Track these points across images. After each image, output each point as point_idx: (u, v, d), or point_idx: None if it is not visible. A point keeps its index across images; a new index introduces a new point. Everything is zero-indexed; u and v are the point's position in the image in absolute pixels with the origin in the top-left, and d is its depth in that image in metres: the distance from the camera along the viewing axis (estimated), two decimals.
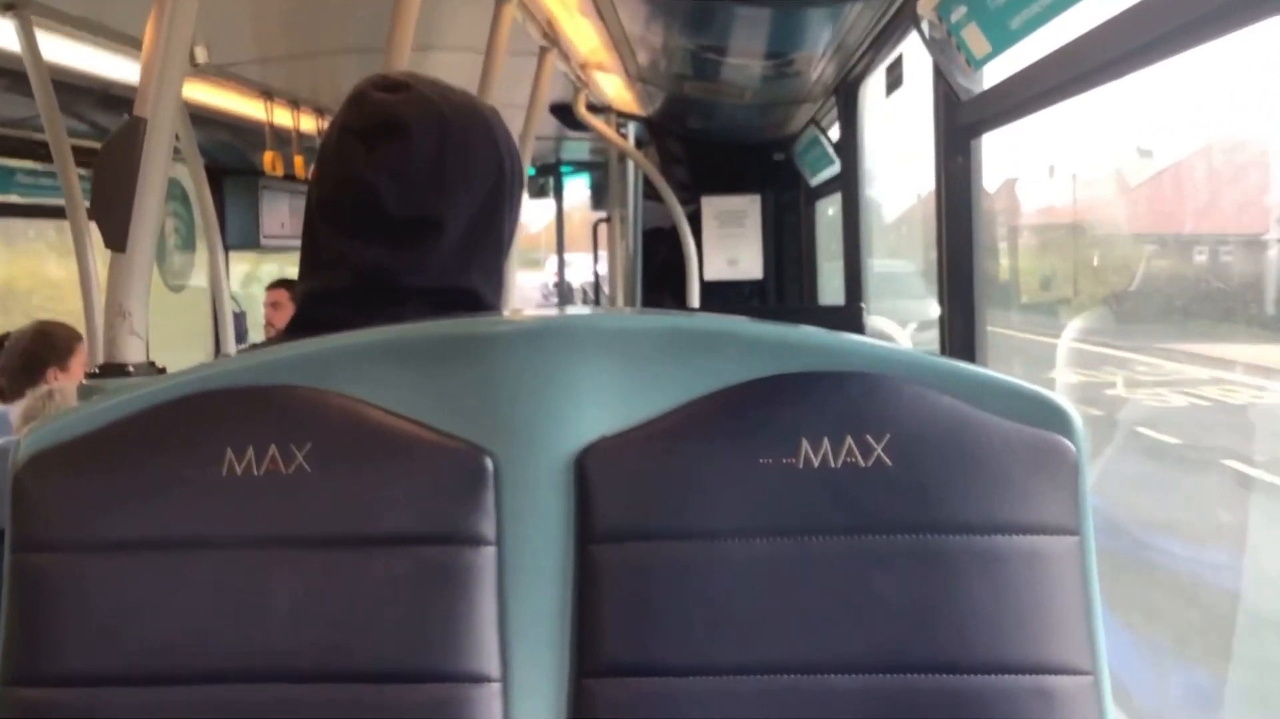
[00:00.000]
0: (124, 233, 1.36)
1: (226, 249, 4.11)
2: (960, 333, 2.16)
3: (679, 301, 4.83)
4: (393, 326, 0.83)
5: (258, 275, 6.49)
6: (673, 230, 4.83)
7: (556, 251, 7.81)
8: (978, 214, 2.15)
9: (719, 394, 0.80)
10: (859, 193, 3.84)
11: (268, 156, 4.00)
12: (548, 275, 11.69)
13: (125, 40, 2.88)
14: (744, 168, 5.14)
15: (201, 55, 2.55)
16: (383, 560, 0.78)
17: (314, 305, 1.03)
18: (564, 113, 4.41)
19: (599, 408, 0.80)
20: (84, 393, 1.33)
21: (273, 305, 4.61)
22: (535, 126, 3.36)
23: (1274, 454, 2.17)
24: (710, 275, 5.02)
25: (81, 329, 2.98)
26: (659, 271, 5.13)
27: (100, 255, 1.92)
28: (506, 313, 0.92)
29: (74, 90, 3.15)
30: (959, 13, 1.89)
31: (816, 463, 0.78)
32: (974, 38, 1.85)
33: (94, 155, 1.42)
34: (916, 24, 2.16)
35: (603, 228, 6.18)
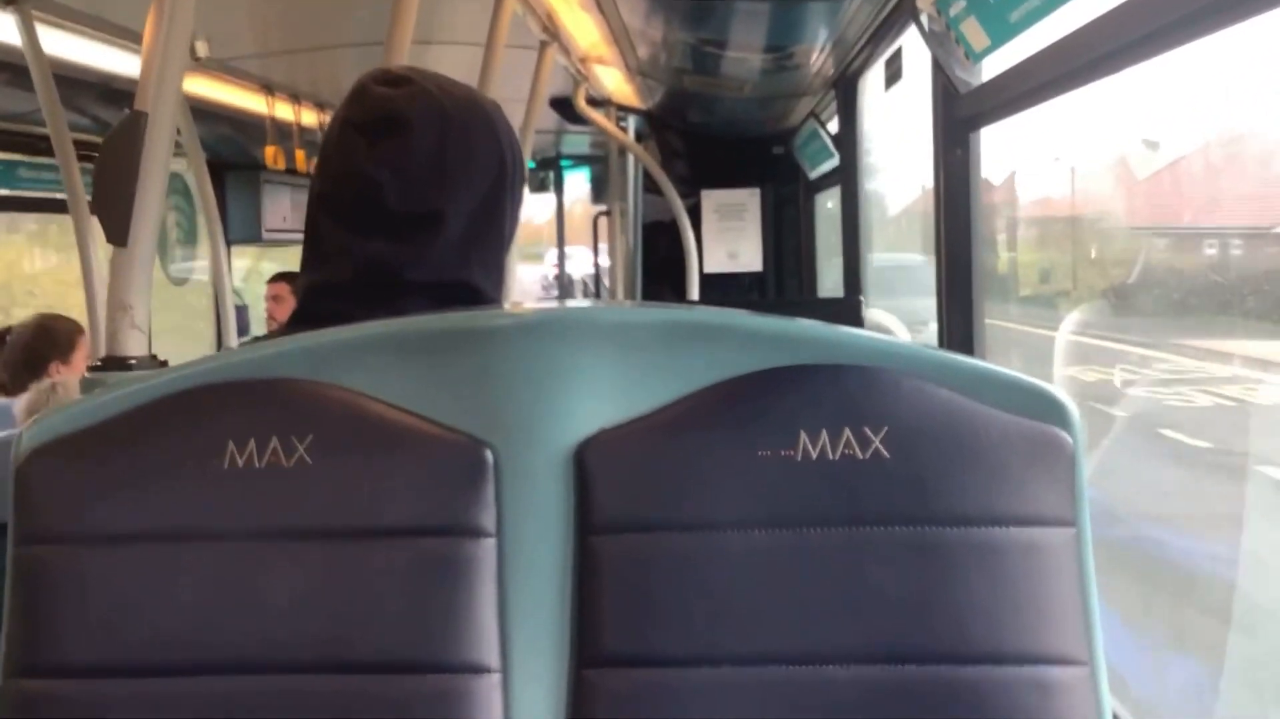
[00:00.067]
0: (125, 227, 1.37)
1: (228, 243, 4.11)
2: (959, 326, 2.16)
3: (679, 295, 4.82)
4: (393, 319, 0.83)
5: (259, 269, 6.48)
6: (672, 224, 4.83)
7: (557, 245, 7.80)
8: (976, 207, 2.15)
9: (718, 386, 0.81)
10: (858, 186, 3.84)
11: (269, 151, 4.00)
12: (547, 268, 11.68)
13: (126, 34, 2.88)
14: (743, 161, 5.14)
15: (202, 49, 2.55)
16: (383, 552, 0.79)
17: (315, 299, 1.03)
18: (564, 106, 4.40)
19: (598, 400, 0.80)
20: (86, 386, 1.33)
21: (274, 299, 4.61)
22: (535, 120, 3.35)
23: None
24: (710, 268, 5.01)
25: (82, 322, 2.99)
26: (659, 265, 5.13)
27: (102, 249, 1.92)
28: (507, 306, 0.92)
29: (75, 84, 3.15)
30: (958, 6, 1.89)
31: (815, 455, 0.79)
32: (973, 31, 1.85)
33: (96, 150, 1.42)
34: (915, 17, 2.16)
35: (603, 221, 6.18)
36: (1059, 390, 0.81)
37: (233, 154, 4.97)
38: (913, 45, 2.73)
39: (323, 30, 3.32)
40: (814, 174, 4.71)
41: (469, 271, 1.03)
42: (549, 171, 7.18)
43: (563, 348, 0.80)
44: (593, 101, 4.47)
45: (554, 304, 0.89)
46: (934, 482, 0.78)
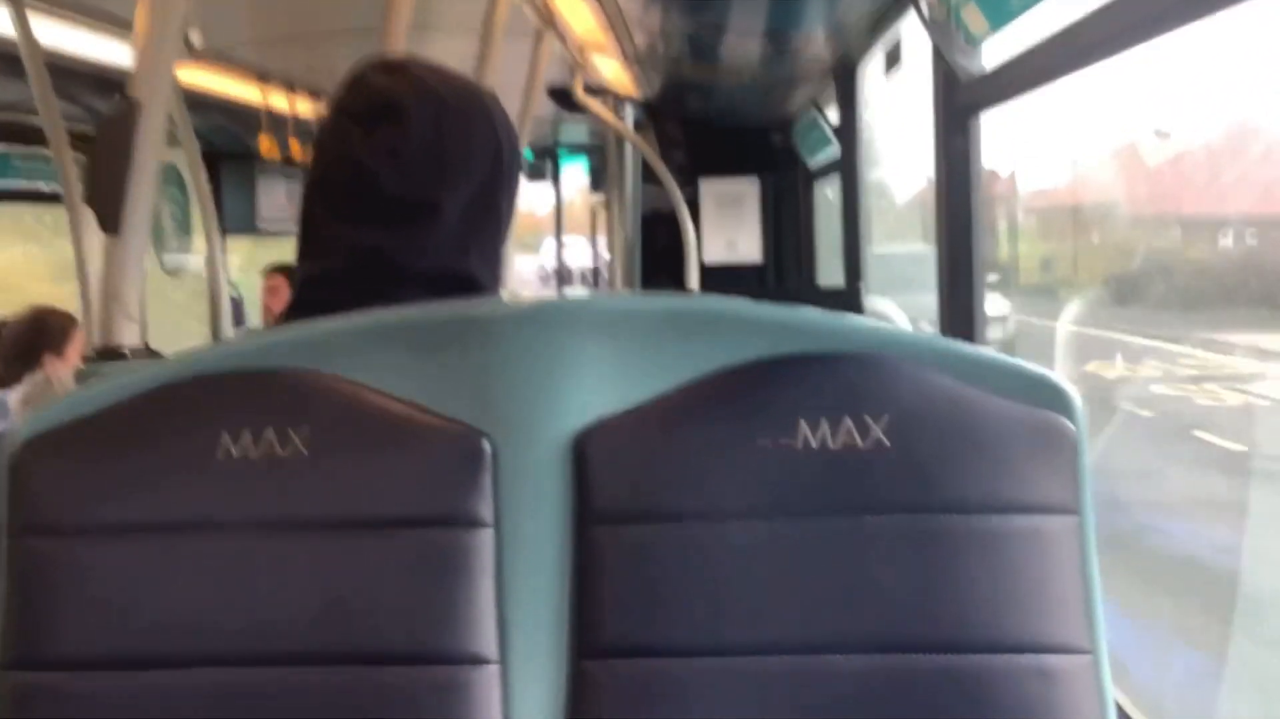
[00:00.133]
0: (118, 216, 1.36)
1: (223, 234, 4.10)
2: (960, 313, 2.16)
3: (678, 285, 4.82)
4: (390, 310, 0.83)
5: (256, 260, 6.47)
6: (671, 214, 4.81)
7: (555, 235, 7.79)
8: (977, 194, 2.14)
9: (718, 376, 0.80)
10: (858, 175, 3.84)
11: (264, 140, 3.99)
12: (544, 259, 11.67)
13: (119, 23, 2.87)
14: (742, 150, 5.14)
15: (196, 38, 2.54)
16: (380, 543, 0.78)
17: (311, 289, 1.02)
18: (561, 95, 4.38)
19: (597, 390, 0.80)
20: (81, 377, 1.33)
21: (270, 290, 4.60)
22: (533, 109, 3.35)
23: None
24: (709, 258, 5.01)
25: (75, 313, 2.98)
26: (657, 255, 5.12)
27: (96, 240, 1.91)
28: (505, 295, 0.92)
29: (68, 74, 3.13)
30: None
31: (815, 444, 0.78)
32: (972, 16, 1.84)
33: (89, 140, 1.41)
34: (915, 3, 2.15)
35: (601, 211, 6.17)
36: (1061, 377, 0.81)
37: (227, 144, 4.96)
38: (913, 31, 2.72)
39: (318, 18, 3.31)
40: (813, 163, 4.70)
41: (466, 261, 1.03)
42: (546, 161, 7.17)
43: (561, 338, 0.80)
44: (590, 90, 4.45)
45: (552, 294, 0.89)
46: (935, 469, 0.78)
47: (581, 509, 0.79)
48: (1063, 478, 0.79)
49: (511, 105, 1.14)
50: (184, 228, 5.25)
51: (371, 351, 0.81)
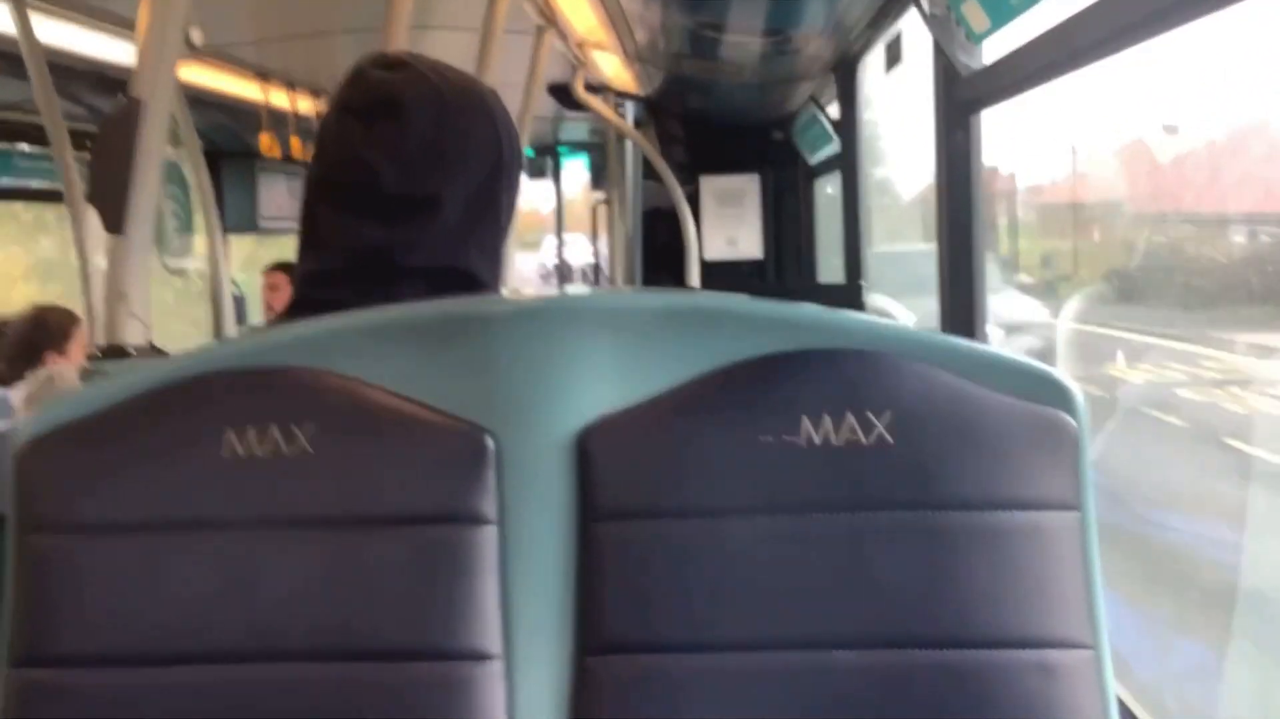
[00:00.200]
0: (122, 215, 1.36)
1: (225, 232, 4.10)
2: (960, 309, 2.16)
3: (678, 282, 4.82)
4: (392, 307, 0.83)
5: (257, 259, 6.48)
6: (672, 211, 4.81)
7: (556, 232, 7.78)
8: (977, 190, 2.14)
9: (720, 372, 0.80)
10: (859, 171, 3.83)
11: (264, 138, 3.99)
12: (545, 256, 11.66)
13: (120, 22, 2.87)
14: (743, 147, 5.13)
15: (197, 36, 2.54)
16: (384, 540, 0.78)
17: (312, 286, 1.02)
18: (562, 93, 4.38)
19: (599, 387, 0.80)
20: (85, 375, 1.33)
21: (271, 288, 4.60)
22: (533, 107, 3.35)
23: None
24: (710, 255, 5.01)
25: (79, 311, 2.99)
26: (658, 252, 5.12)
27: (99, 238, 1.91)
28: (506, 292, 0.92)
29: (69, 73, 3.14)
30: None
31: (818, 440, 0.78)
32: (973, 13, 1.84)
33: (91, 138, 1.42)
34: (915, 0, 2.15)
35: (601, 209, 6.17)
36: (1062, 374, 0.81)
37: (228, 142, 4.96)
38: (913, 28, 2.72)
39: (319, 16, 3.31)
40: (814, 159, 4.70)
41: (466, 257, 1.03)
42: (547, 158, 7.16)
43: (563, 334, 0.80)
44: (591, 88, 4.45)
45: (554, 291, 0.89)
46: (937, 466, 0.78)
47: (584, 506, 0.79)
48: (1064, 474, 0.79)
49: (512, 103, 1.14)
50: (186, 226, 5.25)
51: (375, 349, 0.81)
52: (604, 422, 0.80)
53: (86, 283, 2.74)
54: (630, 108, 5.11)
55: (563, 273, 8.36)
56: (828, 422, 0.78)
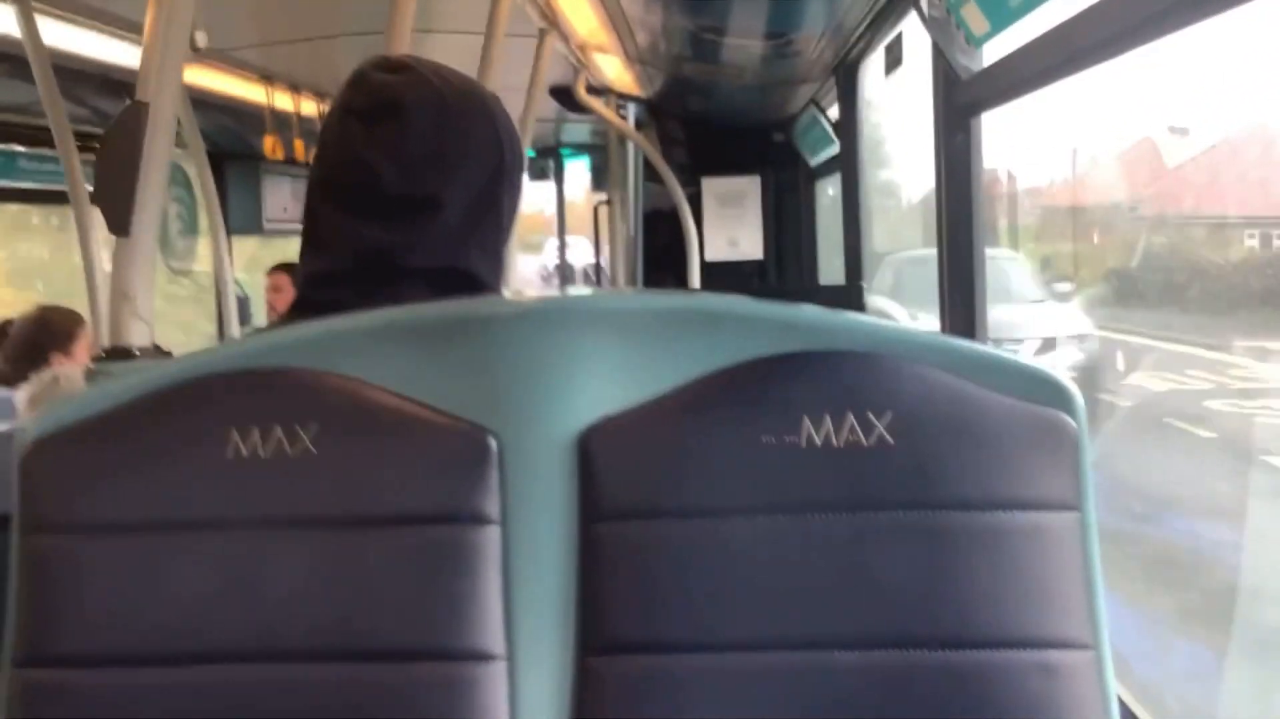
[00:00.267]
0: (127, 217, 1.37)
1: (229, 234, 4.10)
2: (960, 311, 2.16)
3: (680, 283, 4.82)
4: (395, 308, 0.83)
5: (260, 261, 6.47)
6: (673, 212, 4.81)
7: (558, 234, 7.78)
8: (978, 192, 2.14)
9: (721, 373, 0.81)
10: (859, 172, 3.83)
11: (268, 141, 4.00)
12: (547, 259, 11.65)
13: (126, 25, 2.88)
14: (744, 149, 5.13)
15: (202, 40, 2.55)
16: (387, 540, 0.79)
17: (314, 287, 1.03)
18: (564, 95, 4.38)
19: (601, 387, 0.80)
20: (90, 376, 1.34)
21: (274, 289, 4.61)
22: (535, 109, 3.35)
23: None
24: (711, 256, 5.00)
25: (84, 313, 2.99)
26: (659, 253, 5.12)
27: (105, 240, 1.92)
28: (508, 294, 0.93)
29: (75, 76, 3.14)
30: None
31: (819, 441, 0.78)
32: (973, 16, 1.85)
33: (96, 141, 1.42)
34: (915, 2, 2.15)
35: (603, 210, 6.16)
36: (1062, 374, 0.81)
37: (233, 144, 4.96)
38: (913, 31, 2.72)
39: (322, 19, 3.31)
40: (815, 161, 4.70)
41: (468, 258, 1.03)
42: (549, 160, 7.16)
43: (565, 335, 0.80)
44: (592, 90, 4.45)
45: (556, 292, 0.89)
46: (938, 467, 0.78)
47: (586, 506, 0.79)
48: (1064, 474, 0.79)
49: (514, 105, 1.14)
50: (190, 228, 5.25)
51: (378, 350, 0.81)
52: (606, 422, 0.80)
53: (92, 284, 2.74)
54: (632, 110, 5.11)
55: (564, 274, 8.35)
56: (828, 422, 0.79)
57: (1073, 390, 0.81)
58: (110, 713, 0.77)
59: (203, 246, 5.21)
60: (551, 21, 3.22)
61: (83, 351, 2.91)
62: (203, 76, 3.58)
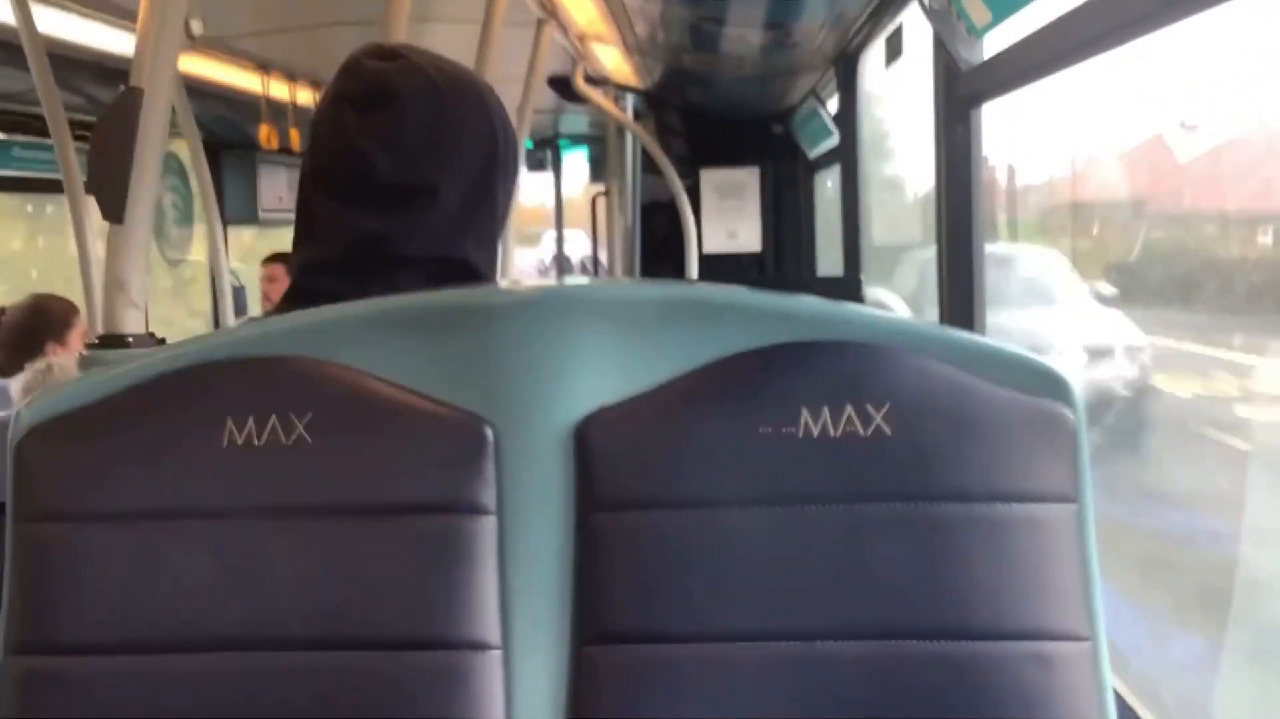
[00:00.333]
0: (122, 204, 1.36)
1: (225, 223, 4.10)
2: (960, 303, 2.16)
3: (678, 275, 4.82)
4: (392, 297, 0.83)
5: (256, 251, 6.47)
6: (671, 204, 4.81)
7: (555, 226, 7.78)
8: (978, 184, 2.14)
9: (718, 364, 0.80)
10: (858, 164, 3.83)
11: (263, 130, 3.99)
12: (543, 252, 11.66)
13: (120, 12, 2.87)
14: (743, 140, 5.12)
15: (197, 27, 2.54)
16: (383, 529, 0.79)
17: (308, 276, 1.03)
18: (562, 85, 4.38)
19: (598, 377, 0.80)
20: (84, 364, 1.33)
21: (269, 279, 4.60)
22: (533, 99, 3.34)
23: None
24: (709, 248, 5.00)
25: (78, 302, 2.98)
26: (658, 245, 5.12)
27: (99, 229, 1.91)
28: (505, 283, 0.92)
29: (70, 64, 3.13)
30: None
31: (816, 432, 0.78)
32: (974, 6, 1.84)
33: (91, 129, 1.42)
34: None
35: (601, 202, 6.16)
36: (1060, 366, 0.81)
37: (229, 134, 4.95)
38: (914, 22, 2.71)
39: (319, 8, 3.30)
40: (814, 153, 4.69)
41: (463, 247, 1.03)
42: (547, 151, 7.16)
43: (563, 325, 0.80)
44: (591, 80, 4.45)
45: (553, 282, 0.89)
46: (935, 458, 0.78)
47: (583, 496, 0.79)
48: (1062, 466, 0.79)
49: (512, 95, 1.14)
50: (185, 218, 5.24)
51: (375, 339, 0.81)
52: (603, 412, 0.80)
53: (86, 273, 2.74)
54: (630, 101, 5.11)
55: (561, 266, 8.36)
56: (826, 413, 0.78)
57: (1071, 383, 0.80)
58: (106, 700, 0.77)
59: (199, 241, 5.20)
60: (550, 11, 3.21)
61: (77, 340, 2.91)
62: (199, 65, 3.57)
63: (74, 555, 0.79)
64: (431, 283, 0.98)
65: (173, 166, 4.90)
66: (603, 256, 6.21)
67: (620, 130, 5.24)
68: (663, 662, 0.77)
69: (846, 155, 3.90)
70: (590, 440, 0.79)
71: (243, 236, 6.12)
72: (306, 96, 4.16)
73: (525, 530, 0.79)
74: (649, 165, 4.98)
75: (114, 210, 1.36)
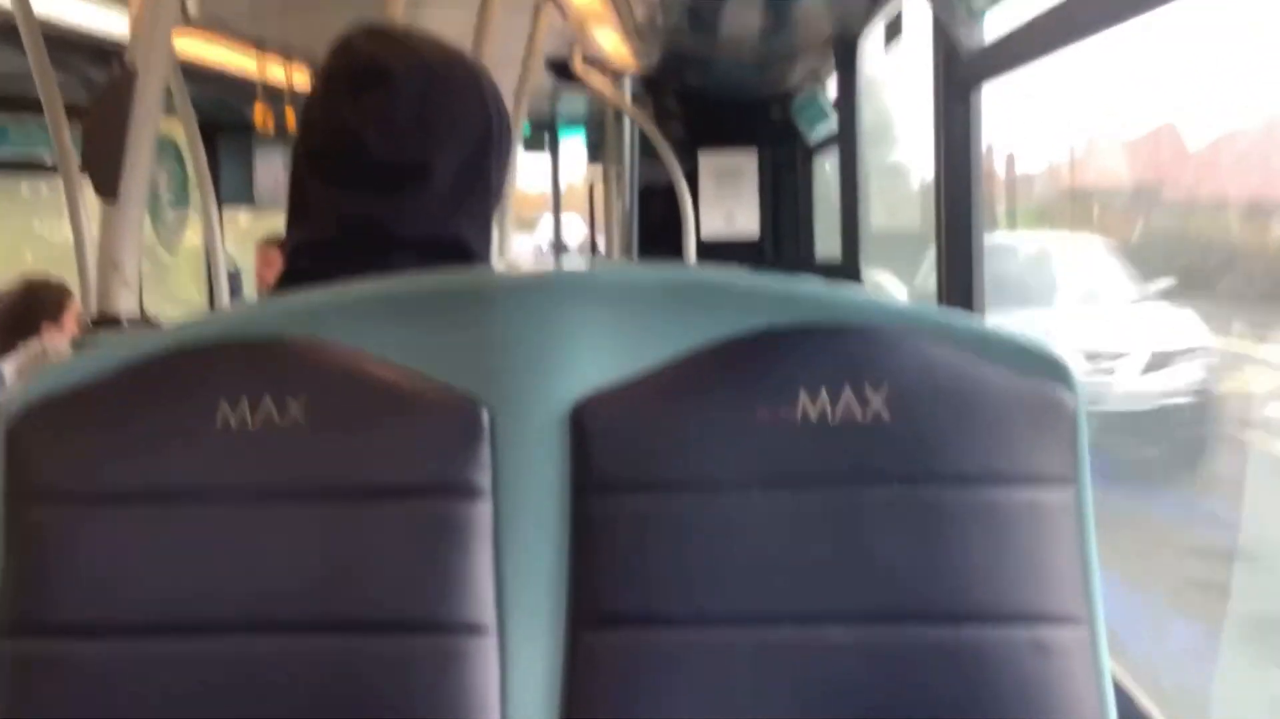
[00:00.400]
0: (115, 183, 1.36)
1: (220, 206, 4.08)
2: (959, 286, 2.16)
3: (675, 259, 4.81)
4: (387, 279, 0.82)
5: (251, 234, 6.44)
6: (669, 187, 4.79)
7: (552, 209, 7.77)
8: (977, 166, 2.13)
9: (716, 347, 0.80)
10: (857, 148, 3.82)
11: (259, 110, 3.96)
12: (540, 237, 11.65)
13: None
14: (741, 124, 5.11)
15: (193, 6, 2.52)
16: (378, 511, 0.78)
17: (301, 257, 1.02)
18: (560, 68, 4.36)
19: (595, 360, 0.80)
20: (78, 346, 1.33)
21: (265, 262, 4.59)
22: (531, 82, 3.33)
23: None
24: (707, 233, 4.99)
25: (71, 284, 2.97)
26: (655, 230, 5.11)
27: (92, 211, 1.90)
28: (502, 266, 0.92)
29: (65, 44, 3.11)
30: None
31: (814, 415, 0.78)
32: None
33: (85, 110, 1.41)
34: None
35: (598, 186, 6.15)
36: (1060, 350, 0.80)
37: (224, 116, 4.93)
38: (914, 6, 2.70)
39: None
40: (813, 137, 4.68)
41: (457, 228, 1.02)
42: (544, 134, 7.14)
43: (560, 308, 0.79)
44: (589, 63, 4.43)
45: (550, 265, 0.89)
46: (934, 441, 0.78)
47: (579, 479, 0.79)
48: (1061, 450, 0.79)
49: (510, 78, 1.13)
50: (180, 200, 5.23)
51: (370, 320, 0.81)
52: (600, 395, 0.79)
53: (81, 254, 2.73)
54: (628, 84, 5.09)
55: (558, 249, 8.35)
56: (825, 397, 0.78)
57: (1070, 366, 0.80)
58: (98, 682, 0.77)
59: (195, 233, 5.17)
60: None
61: (71, 322, 2.90)
62: (195, 45, 3.55)
63: (66, 537, 0.78)
64: (425, 263, 0.97)
65: (168, 149, 4.88)
66: (600, 241, 6.20)
67: (618, 114, 5.22)
68: (659, 645, 0.77)
69: (845, 139, 3.89)
70: (587, 423, 0.79)
71: (240, 221, 6.10)
72: (303, 78, 4.13)
73: (521, 513, 0.79)
74: (647, 149, 4.96)
75: (108, 189, 1.36)
